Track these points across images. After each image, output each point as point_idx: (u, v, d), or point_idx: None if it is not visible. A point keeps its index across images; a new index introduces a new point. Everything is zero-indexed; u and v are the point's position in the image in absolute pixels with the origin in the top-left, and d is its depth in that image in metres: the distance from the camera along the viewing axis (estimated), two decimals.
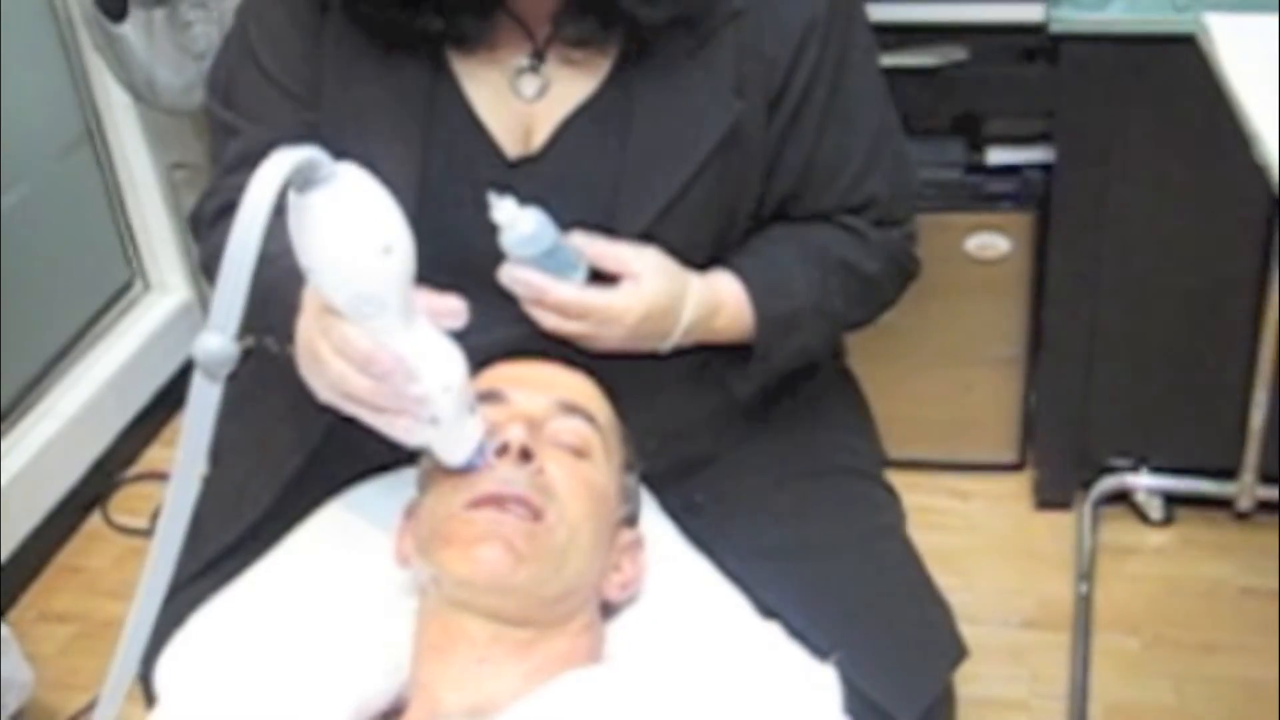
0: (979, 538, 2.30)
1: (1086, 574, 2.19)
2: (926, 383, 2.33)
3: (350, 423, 1.06)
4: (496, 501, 1.02)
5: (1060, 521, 2.31)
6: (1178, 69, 1.86)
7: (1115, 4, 1.89)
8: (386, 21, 1.17)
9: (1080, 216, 2.07)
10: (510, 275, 1.14)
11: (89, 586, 2.31)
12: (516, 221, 1.11)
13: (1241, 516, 2.24)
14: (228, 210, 1.12)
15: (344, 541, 1.21)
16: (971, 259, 2.20)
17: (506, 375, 1.15)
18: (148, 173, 2.60)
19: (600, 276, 1.17)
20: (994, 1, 1.96)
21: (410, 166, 1.18)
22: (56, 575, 2.35)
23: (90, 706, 2.09)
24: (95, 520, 2.48)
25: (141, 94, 2.32)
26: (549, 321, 1.16)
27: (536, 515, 1.02)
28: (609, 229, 1.18)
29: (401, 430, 1.01)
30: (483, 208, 1.13)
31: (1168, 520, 2.27)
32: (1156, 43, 1.86)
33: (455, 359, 1.01)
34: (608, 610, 1.11)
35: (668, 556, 1.18)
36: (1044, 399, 2.26)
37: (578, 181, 1.19)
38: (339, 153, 1.08)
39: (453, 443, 1.03)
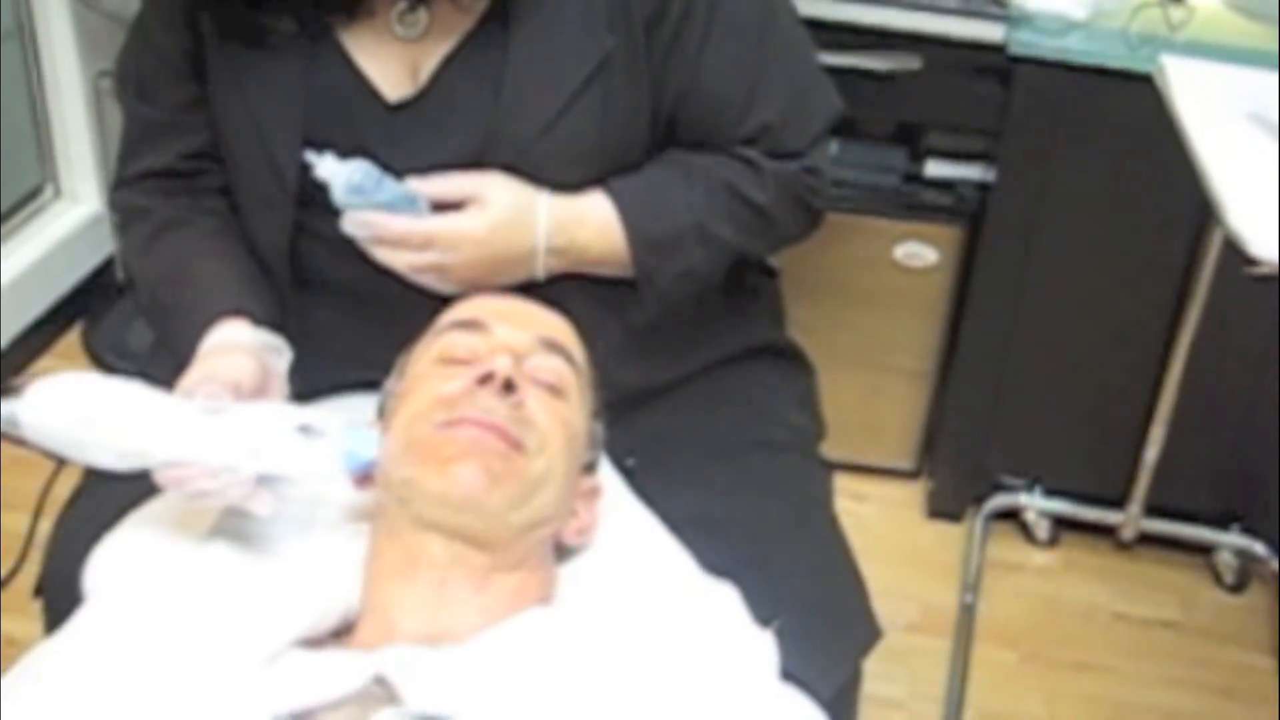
0: (869, 540, 2.29)
1: (972, 586, 2.24)
2: (835, 383, 2.33)
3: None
4: (476, 426, 1.01)
5: (950, 532, 2.36)
6: (1124, 104, 1.93)
7: (1074, 34, 1.95)
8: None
9: (1009, 238, 2.13)
10: (350, 221, 1.18)
11: None
12: (338, 175, 1.15)
13: (1123, 546, 2.32)
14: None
15: None
16: (899, 266, 2.24)
17: (488, 307, 1.14)
18: (74, 78, 2.53)
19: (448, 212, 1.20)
20: (955, 16, 2.00)
21: (292, 122, 1.20)
22: None
23: None
24: None
25: None
26: (399, 259, 1.19)
27: (516, 444, 1.02)
28: (483, 165, 1.20)
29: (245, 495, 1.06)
30: (365, 155, 1.17)
31: (1053, 541, 2.34)
32: (1108, 76, 1.92)
33: (243, 429, 1.04)
34: (560, 554, 1.11)
35: (617, 507, 1.19)
36: (948, 412, 2.31)
37: (455, 121, 1.20)
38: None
39: (302, 466, 1.05)
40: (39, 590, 1.28)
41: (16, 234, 2.54)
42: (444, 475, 1.00)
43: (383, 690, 0.90)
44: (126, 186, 1.31)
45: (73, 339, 2.64)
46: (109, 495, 1.17)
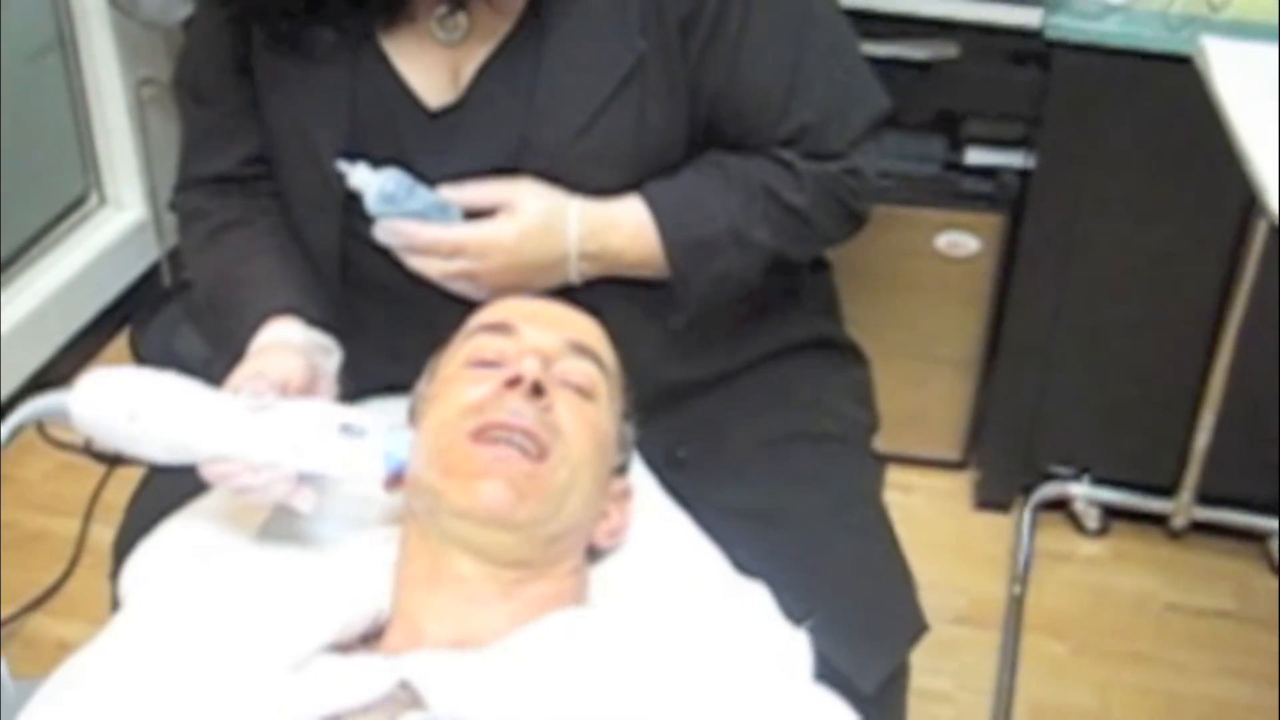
0: (917, 532, 2.27)
1: (1021, 576, 2.22)
2: (879, 374, 2.32)
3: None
4: (503, 429, 1.01)
5: (998, 523, 2.34)
6: (1165, 88, 1.90)
7: (1112, 17, 1.92)
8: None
9: (1052, 224, 2.10)
10: (382, 230, 1.19)
11: (19, 498, 2.28)
12: (370, 184, 1.16)
13: (1174, 535, 2.29)
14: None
15: None
16: (941, 256, 2.22)
17: (517, 309, 1.14)
18: (116, 86, 2.55)
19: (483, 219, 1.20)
20: (992, 1, 1.98)
21: (337, 131, 1.21)
22: None
23: (14, 617, 2.05)
24: (30, 432, 2.43)
25: (120, 2, 2.27)
26: (430, 267, 1.19)
27: (541, 452, 1.01)
28: (519, 171, 1.20)
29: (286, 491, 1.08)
30: (405, 162, 1.18)
31: (1103, 531, 2.32)
32: (1148, 59, 1.89)
33: (282, 425, 1.06)
34: (591, 556, 1.11)
35: (649, 508, 1.18)
36: (994, 402, 2.29)
37: (492, 127, 1.20)
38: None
39: (340, 465, 1.06)
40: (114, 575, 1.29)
41: (62, 242, 2.57)
42: (469, 491, 1.00)
43: (408, 695, 0.90)
44: (187, 189, 1.33)
45: (120, 345, 2.67)
46: (175, 486, 1.19)
